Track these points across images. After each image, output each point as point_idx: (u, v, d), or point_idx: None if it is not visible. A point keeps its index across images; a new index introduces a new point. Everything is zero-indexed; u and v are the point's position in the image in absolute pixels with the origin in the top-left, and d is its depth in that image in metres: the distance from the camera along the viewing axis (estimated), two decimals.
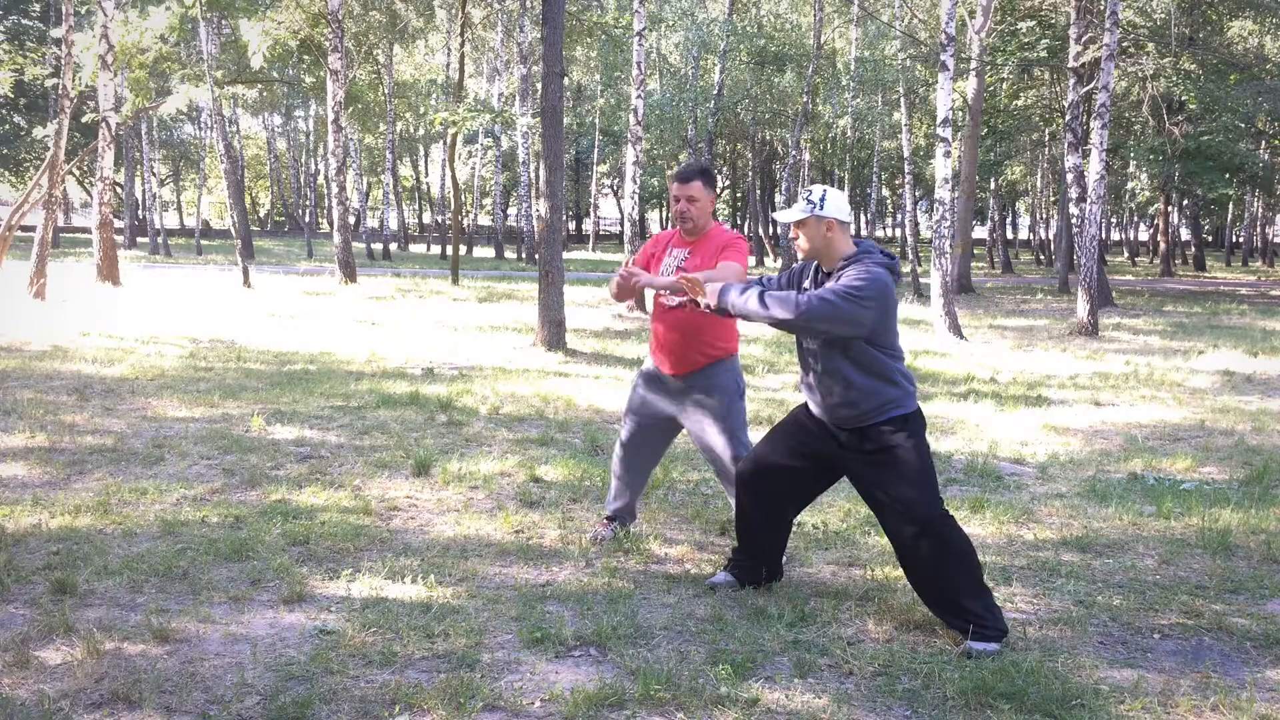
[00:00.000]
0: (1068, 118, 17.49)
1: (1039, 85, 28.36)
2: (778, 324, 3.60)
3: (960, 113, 22.18)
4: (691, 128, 31.82)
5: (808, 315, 3.53)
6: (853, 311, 3.51)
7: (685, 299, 4.16)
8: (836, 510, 5.20)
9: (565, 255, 22.93)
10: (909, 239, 23.34)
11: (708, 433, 4.34)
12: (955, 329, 13.89)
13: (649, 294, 4.48)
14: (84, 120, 22.77)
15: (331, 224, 23.63)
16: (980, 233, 48.30)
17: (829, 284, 3.64)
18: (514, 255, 38.02)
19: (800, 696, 3.16)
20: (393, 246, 38.46)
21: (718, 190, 4.52)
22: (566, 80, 24.76)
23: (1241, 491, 5.74)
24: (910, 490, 3.61)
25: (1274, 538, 4.80)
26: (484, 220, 55.76)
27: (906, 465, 3.62)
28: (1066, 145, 17.32)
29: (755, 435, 4.63)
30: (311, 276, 23.22)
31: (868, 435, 3.68)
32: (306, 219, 50.25)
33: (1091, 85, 16.98)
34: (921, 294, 20.31)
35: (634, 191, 17.34)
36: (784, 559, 4.22)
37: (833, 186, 4.86)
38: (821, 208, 3.65)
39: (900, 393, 3.66)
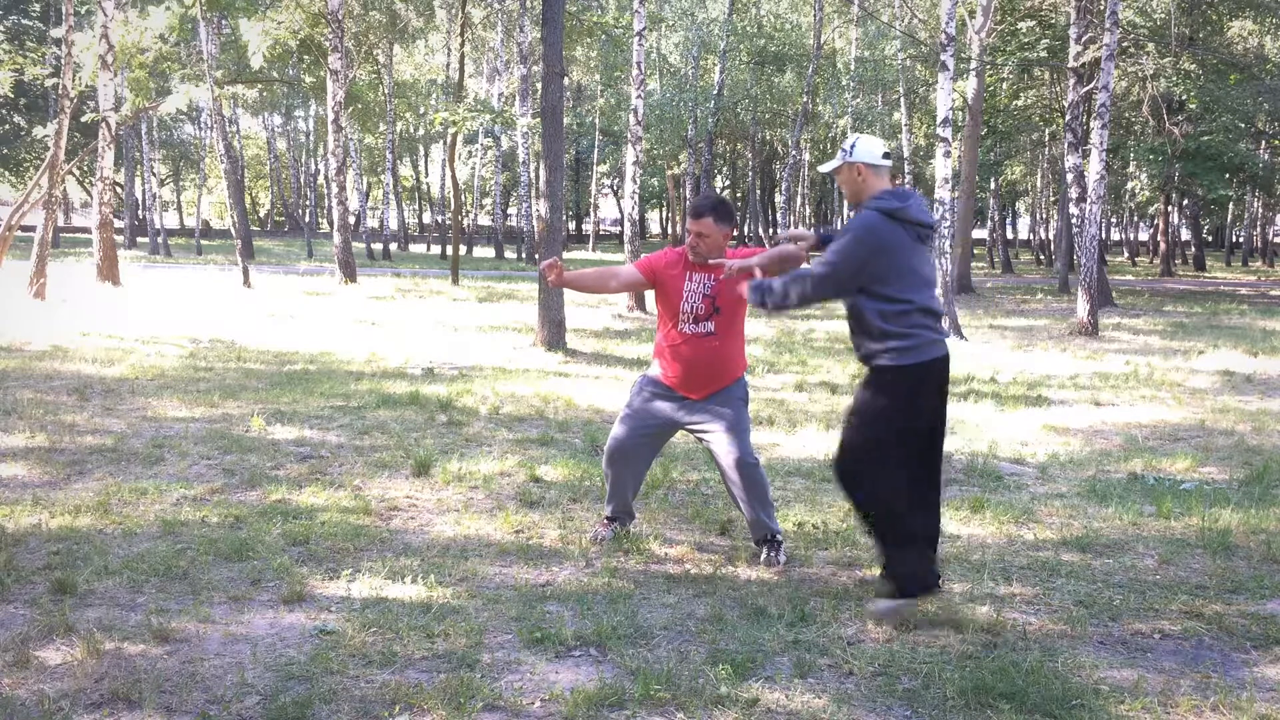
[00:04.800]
0: (1068, 118, 17.50)
1: (1039, 85, 28.36)
2: (801, 305, 3.85)
3: (960, 113, 22.18)
4: (691, 128, 31.83)
5: (808, 293, 3.78)
6: (835, 275, 3.74)
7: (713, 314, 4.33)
8: (836, 510, 5.19)
9: (565, 255, 22.94)
10: None
11: (718, 438, 4.34)
12: (955, 329, 13.89)
13: (691, 315, 4.40)
14: (84, 120, 22.74)
15: (331, 224, 23.63)
16: (980, 233, 48.31)
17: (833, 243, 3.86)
18: (514, 255, 38.02)
19: (800, 696, 3.16)
20: (393, 246, 38.45)
21: (734, 224, 4.37)
22: (566, 80, 24.75)
23: (1241, 491, 5.74)
24: (848, 434, 3.87)
25: (1274, 538, 4.80)
26: (484, 220, 55.77)
27: (858, 412, 3.85)
28: (1066, 145, 17.32)
29: (755, 436, 4.63)
30: (311, 276, 23.22)
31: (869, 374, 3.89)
32: (306, 219, 50.28)
33: (1091, 85, 16.98)
34: None
35: (634, 191, 17.33)
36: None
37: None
38: (851, 154, 3.85)
39: (884, 346, 3.73)
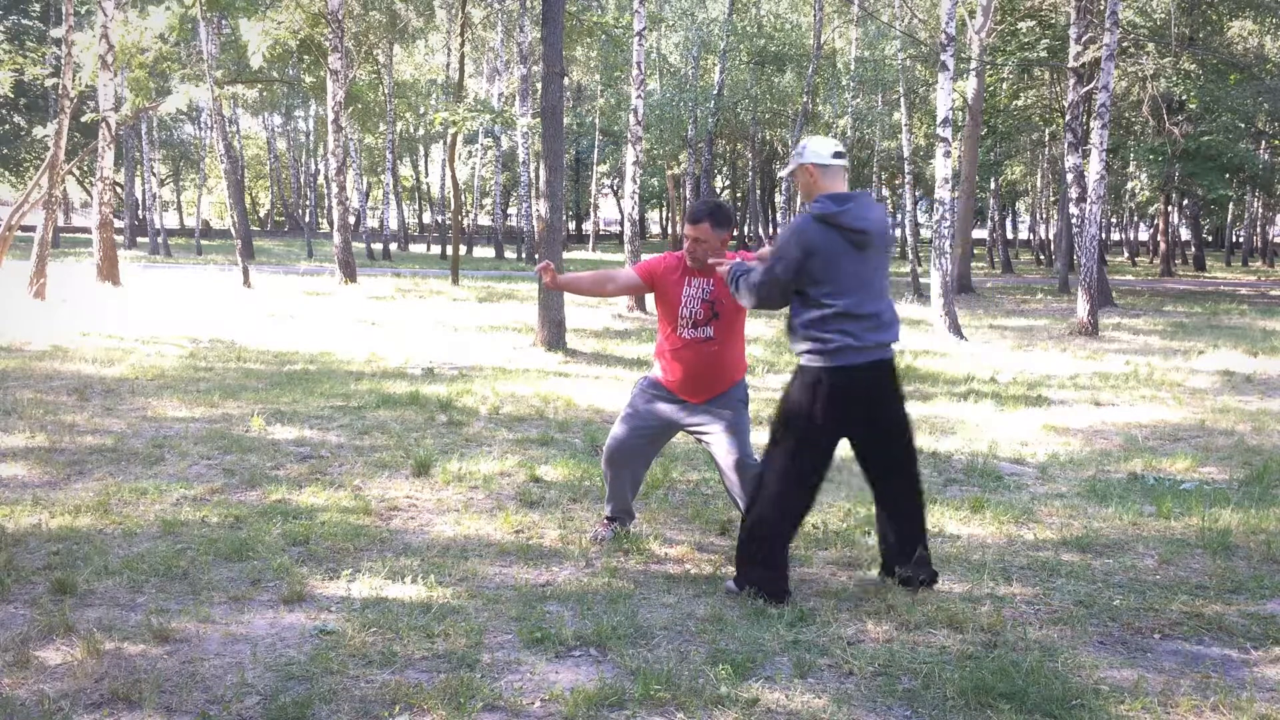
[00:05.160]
0: (1068, 118, 17.49)
1: (1039, 85, 28.36)
2: (750, 305, 3.98)
3: (960, 113, 22.18)
4: (691, 128, 31.83)
5: (753, 297, 3.89)
6: (771, 280, 3.83)
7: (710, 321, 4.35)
8: (836, 510, 5.20)
9: (565, 255, 22.93)
10: (909, 239, 23.34)
11: (718, 439, 4.34)
12: (955, 329, 13.89)
13: (686, 317, 4.42)
14: (84, 120, 22.75)
15: (331, 224, 23.62)
16: (980, 233, 48.31)
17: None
18: (514, 255, 38.01)
19: (800, 696, 3.16)
20: (393, 246, 38.46)
21: (732, 228, 4.39)
22: (566, 80, 24.76)
23: (1241, 491, 5.74)
24: (773, 427, 3.98)
25: (1274, 538, 4.80)
26: (484, 220, 55.77)
27: (780, 408, 3.97)
28: (1066, 145, 17.32)
29: (754, 436, 4.63)
30: (311, 276, 23.22)
31: None
32: (306, 219, 50.28)
33: (1091, 85, 16.98)
34: (921, 294, 20.32)
35: (634, 191, 17.33)
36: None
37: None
38: (803, 156, 3.92)
39: (803, 347, 3.85)
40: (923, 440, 6.96)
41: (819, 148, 3.89)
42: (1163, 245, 35.15)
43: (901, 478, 4.00)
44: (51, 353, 10.16)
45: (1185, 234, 48.09)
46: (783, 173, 4.14)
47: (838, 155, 3.89)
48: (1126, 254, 50.41)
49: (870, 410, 3.87)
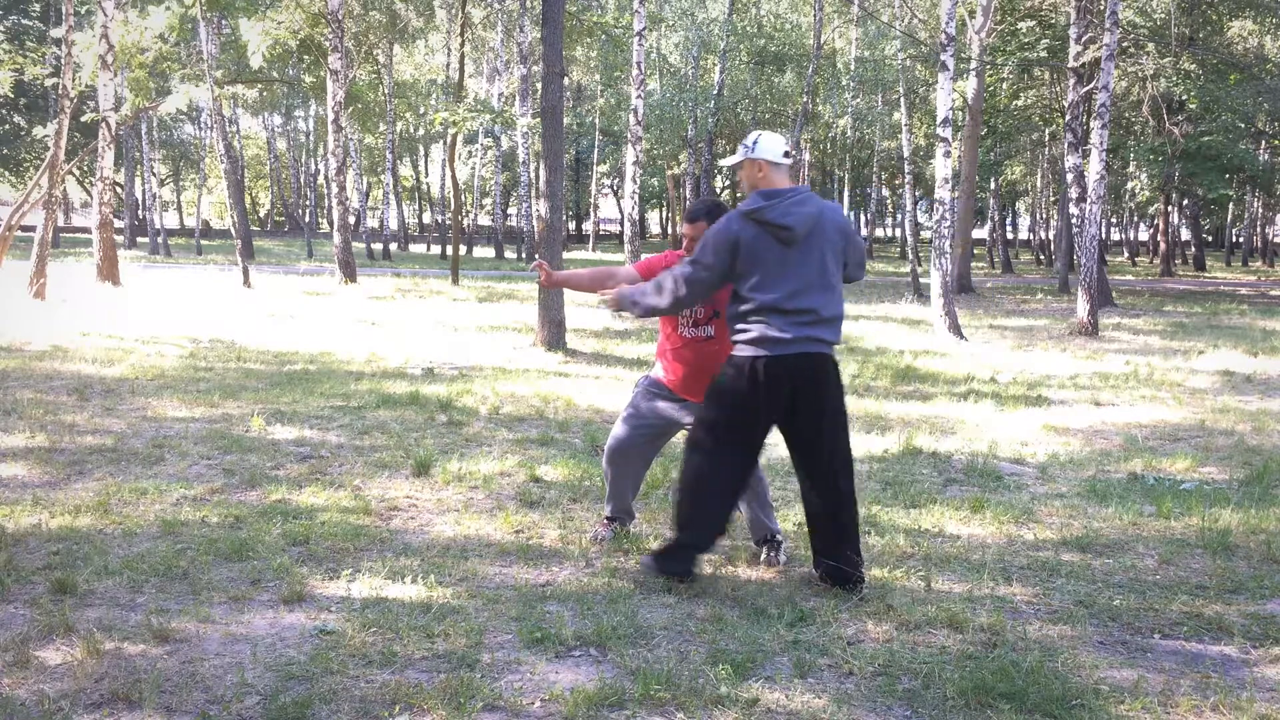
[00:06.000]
0: (1068, 118, 17.49)
1: (1039, 85, 28.37)
2: (675, 308, 4.01)
3: (960, 113, 22.18)
4: (691, 128, 31.84)
5: (682, 295, 3.94)
6: (698, 275, 3.90)
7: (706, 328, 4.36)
8: None
9: (565, 255, 22.94)
10: (909, 239, 23.35)
11: None
12: (955, 329, 13.89)
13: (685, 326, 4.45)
14: (84, 120, 22.76)
15: (331, 224, 23.62)
16: (980, 233, 48.32)
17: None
18: (514, 255, 38.01)
19: (800, 696, 3.16)
20: (393, 246, 38.46)
21: None
22: (566, 80, 24.76)
23: (1241, 491, 5.74)
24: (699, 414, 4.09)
25: (1274, 538, 4.80)
26: (484, 220, 55.78)
27: (708, 393, 4.06)
28: (1066, 145, 17.31)
29: None
30: (311, 276, 23.22)
31: None
32: (306, 219, 50.29)
33: (1091, 85, 16.98)
34: (921, 294, 20.31)
35: (634, 191, 17.34)
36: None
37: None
38: (754, 150, 3.96)
39: (736, 336, 3.91)
40: (923, 440, 6.97)
41: (773, 144, 3.95)
42: (1163, 245, 35.16)
43: (824, 483, 4.00)
44: (51, 353, 10.16)
45: (1185, 234, 48.11)
46: (726, 162, 4.16)
47: (787, 154, 3.98)
48: (1126, 254, 50.43)
49: (795, 403, 3.90)
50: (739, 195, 45.73)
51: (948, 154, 14.05)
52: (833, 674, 3.33)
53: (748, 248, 3.83)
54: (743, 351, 3.89)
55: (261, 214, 61.73)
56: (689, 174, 33.78)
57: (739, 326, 3.91)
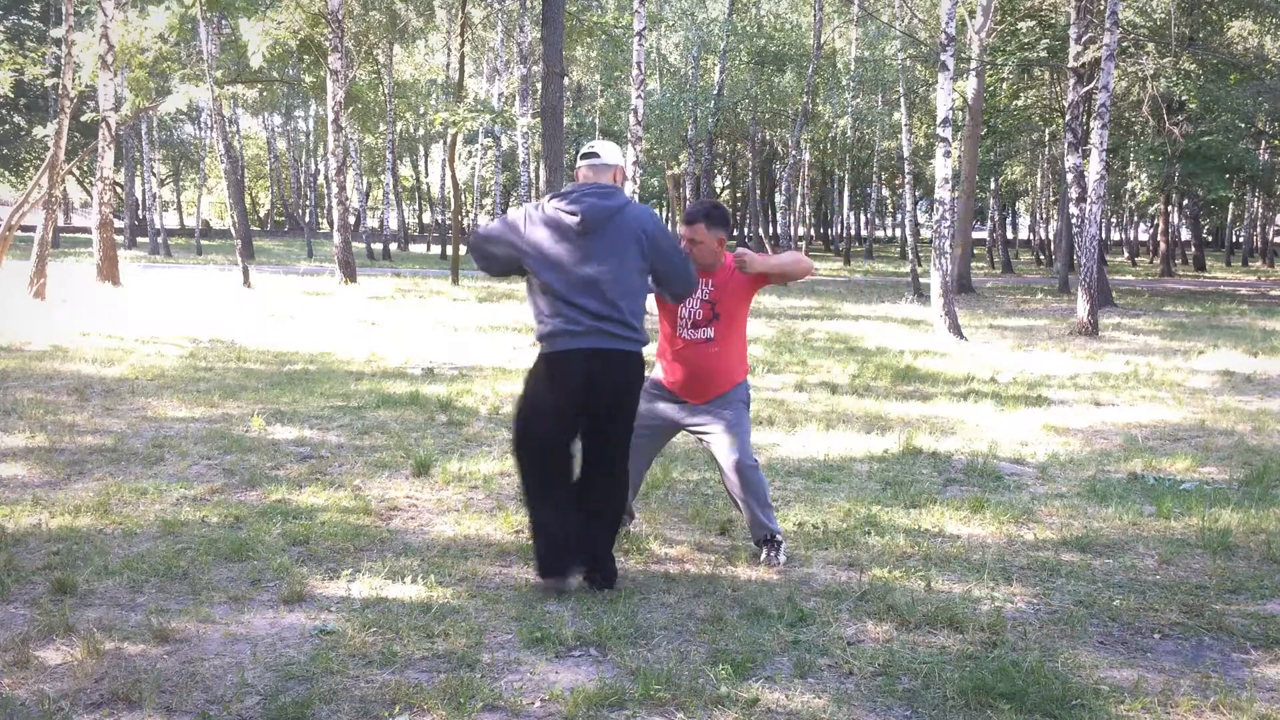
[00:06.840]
0: (1068, 118, 17.49)
1: (1039, 85, 28.37)
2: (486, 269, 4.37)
3: (960, 113, 22.18)
4: (691, 128, 31.85)
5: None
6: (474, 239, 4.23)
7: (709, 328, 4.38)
8: (836, 510, 5.20)
9: None
10: (909, 239, 23.36)
11: (718, 439, 4.33)
12: (955, 329, 13.88)
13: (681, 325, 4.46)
14: (84, 120, 22.77)
15: (331, 224, 23.63)
16: (980, 233, 48.33)
17: None
18: None
19: (800, 696, 3.16)
20: (393, 246, 38.48)
21: (728, 229, 4.40)
22: (566, 80, 24.75)
23: (1241, 491, 5.74)
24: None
25: (1274, 538, 4.80)
26: (484, 220, 55.77)
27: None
28: (1066, 145, 17.32)
29: (755, 436, 4.62)
30: (311, 276, 23.22)
31: None
32: (306, 219, 50.32)
33: (1091, 85, 16.98)
34: (921, 294, 20.31)
35: (634, 191, 17.32)
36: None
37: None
38: (614, 158, 4.11)
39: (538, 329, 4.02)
40: (923, 440, 6.97)
41: (607, 151, 4.12)
42: (1163, 245, 35.17)
43: (599, 479, 4.04)
44: (51, 353, 10.16)
45: (1185, 234, 48.12)
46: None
47: (585, 156, 4.12)
48: (1126, 254, 50.43)
49: (586, 403, 3.97)
50: (739, 195, 45.77)
51: (948, 154, 14.05)
52: (833, 674, 3.33)
53: (505, 235, 4.11)
54: (549, 347, 3.97)
55: (261, 214, 61.74)
56: (689, 174, 33.79)
57: (535, 320, 4.12)
